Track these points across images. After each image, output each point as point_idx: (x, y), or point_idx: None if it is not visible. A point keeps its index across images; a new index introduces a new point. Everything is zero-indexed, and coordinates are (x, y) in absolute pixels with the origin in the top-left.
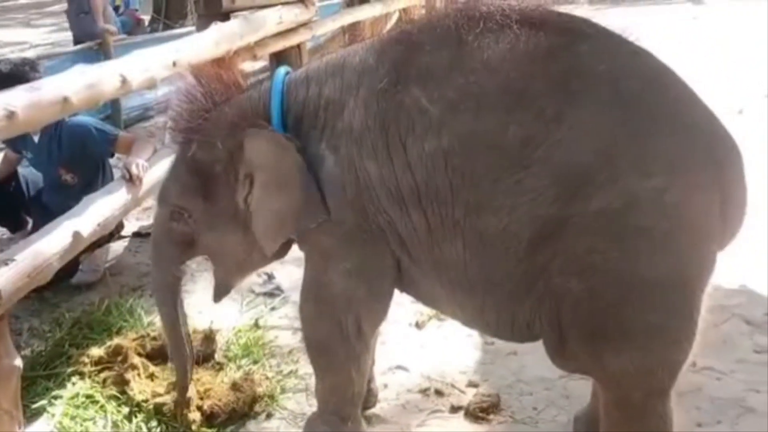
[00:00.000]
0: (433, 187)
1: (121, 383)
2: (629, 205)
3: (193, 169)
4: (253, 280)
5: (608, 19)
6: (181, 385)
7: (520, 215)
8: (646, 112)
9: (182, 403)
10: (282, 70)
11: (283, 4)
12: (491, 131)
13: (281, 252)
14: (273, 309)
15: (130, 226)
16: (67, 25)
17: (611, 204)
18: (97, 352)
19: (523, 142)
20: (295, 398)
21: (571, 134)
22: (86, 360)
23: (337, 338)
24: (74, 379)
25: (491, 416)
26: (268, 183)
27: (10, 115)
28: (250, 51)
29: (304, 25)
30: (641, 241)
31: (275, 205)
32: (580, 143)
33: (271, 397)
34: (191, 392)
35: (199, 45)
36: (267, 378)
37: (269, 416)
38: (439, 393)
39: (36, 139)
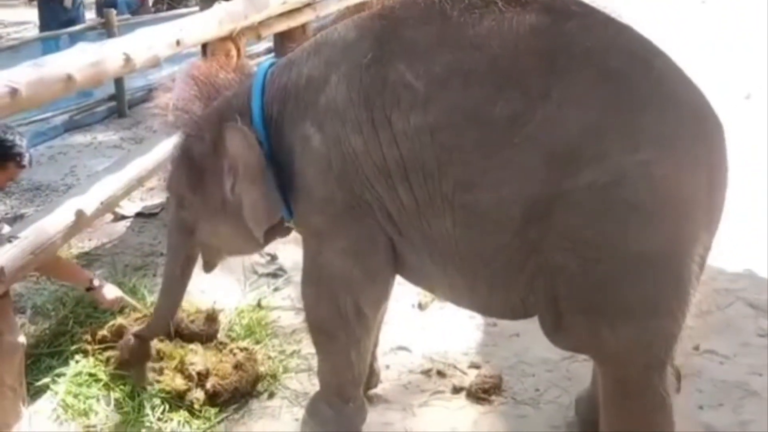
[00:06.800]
0: (419, 161)
1: None
2: (618, 179)
3: (189, 162)
4: (256, 260)
5: (614, 3)
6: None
7: (511, 192)
8: (632, 88)
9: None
10: (267, 62)
11: None
12: (479, 108)
13: (274, 236)
14: (276, 289)
15: (134, 206)
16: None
17: (600, 179)
18: (100, 331)
19: (511, 118)
20: (297, 378)
21: (559, 111)
22: (89, 339)
23: (338, 321)
24: (77, 357)
25: (493, 397)
26: (243, 175)
27: (14, 93)
28: (254, 31)
29: (308, 5)
30: (631, 215)
31: (251, 196)
32: (568, 120)
33: (274, 376)
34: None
35: (203, 24)
36: (269, 358)
37: (272, 395)
38: (441, 374)
39: None
